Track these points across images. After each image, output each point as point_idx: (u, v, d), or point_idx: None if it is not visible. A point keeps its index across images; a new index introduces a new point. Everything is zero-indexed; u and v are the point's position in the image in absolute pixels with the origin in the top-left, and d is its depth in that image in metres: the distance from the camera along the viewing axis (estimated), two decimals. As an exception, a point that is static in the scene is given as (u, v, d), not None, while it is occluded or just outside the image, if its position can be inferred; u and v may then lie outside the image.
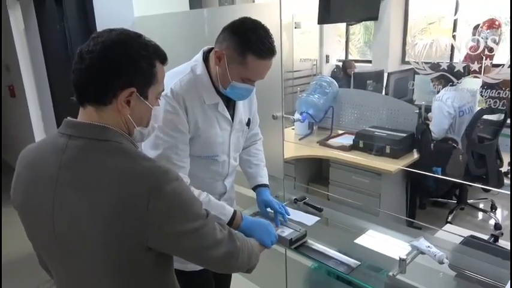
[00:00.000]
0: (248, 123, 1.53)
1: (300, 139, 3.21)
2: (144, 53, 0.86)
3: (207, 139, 1.37)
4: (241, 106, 1.46)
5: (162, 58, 0.91)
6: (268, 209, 1.55)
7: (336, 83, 3.22)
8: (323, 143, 3.02)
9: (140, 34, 0.89)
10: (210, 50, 1.35)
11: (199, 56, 1.36)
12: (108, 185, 0.80)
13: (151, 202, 0.79)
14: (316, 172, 3.26)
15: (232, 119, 1.43)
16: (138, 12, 2.92)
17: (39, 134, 4.05)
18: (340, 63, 5.41)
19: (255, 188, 1.60)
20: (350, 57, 5.92)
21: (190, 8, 3.63)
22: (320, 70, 5.57)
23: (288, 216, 1.61)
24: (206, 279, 1.52)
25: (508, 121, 2.84)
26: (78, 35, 2.79)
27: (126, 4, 2.83)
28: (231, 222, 1.31)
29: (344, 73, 4.97)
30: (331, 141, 3.03)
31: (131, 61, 0.84)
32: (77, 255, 0.86)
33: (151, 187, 0.80)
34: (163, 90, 0.95)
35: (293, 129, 3.36)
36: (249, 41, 1.20)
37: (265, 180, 1.60)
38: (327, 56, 5.81)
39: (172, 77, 1.31)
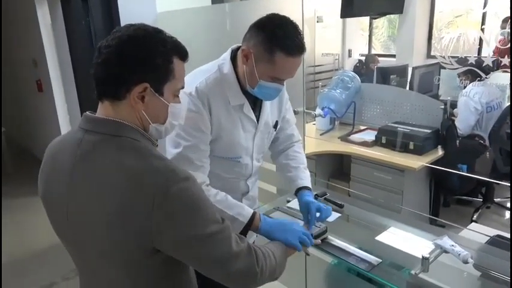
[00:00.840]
0: (275, 126, 1.47)
1: (321, 134, 3.19)
2: (161, 48, 0.84)
3: (230, 141, 1.34)
4: (268, 107, 1.41)
5: (182, 54, 0.89)
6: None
7: (358, 77, 3.17)
8: (345, 139, 2.99)
9: (160, 30, 0.87)
10: (239, 48, 1.29)
11: (227, 55, 1.32)
12: (117, 183, 0.80)
13: (157, 202, 0.77)
14: (337, 168, 3.22)
15: (258, 120, 1.38)
16: (161, 8, 2.96)
17: (65, 127, 4.16)
18: (363, 58, 5.33)
19: (296, 193, 1.49)
20: (373, 52, 5.82)
21: (212, 3, 3.64)
22: (342, 65, 5.50)
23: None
24: None
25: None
26: (103, 30, 2.85)
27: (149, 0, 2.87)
28: (249, 224, 1.23)
29: (367, 68, 4.89)
30: (353, 137, 2.99)
31: (146, 56, 0.83)
32: (88, 249, 0.87)
33: (157, 187, 0.78)
34: (182, 87, 0.92)
35: (314, 124, 3.33)
36: (277, 38, 1.16)
37: (306, 182, 1.49)
38: (350, 51, 5.73)
39: (199, 75, 1.29)
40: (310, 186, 1.49)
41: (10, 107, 6.16)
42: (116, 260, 0.84)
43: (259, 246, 0.98)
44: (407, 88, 3.37)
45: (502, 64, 1.56)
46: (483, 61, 1.69)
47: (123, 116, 0.85)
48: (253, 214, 1.24)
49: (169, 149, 1.27)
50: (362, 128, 3.17)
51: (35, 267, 2.93)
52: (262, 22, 1.21)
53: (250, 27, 1.23)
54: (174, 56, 0.87)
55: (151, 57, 0.83)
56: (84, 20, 3.11)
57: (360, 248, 1.40)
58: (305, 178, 1.51)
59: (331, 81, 3.25)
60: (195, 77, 1.28)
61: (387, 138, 2.75)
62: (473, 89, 2.54)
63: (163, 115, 0.91)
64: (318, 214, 1.38)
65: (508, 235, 1.72)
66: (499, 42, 1.60)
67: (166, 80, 0.87)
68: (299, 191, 1.47)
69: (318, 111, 3.14)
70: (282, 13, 1.24)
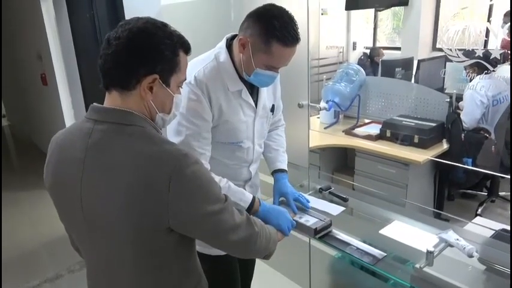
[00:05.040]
0: (272, 110, 1.52)
1: (325, 128, 3.18)
2: (168, 41, 0.88)
3: (232, 125, 1.37)
4: (264, 92, 1.46)
5: (186, 48, 0.93)
6: (282, 199, 1.56)
7: (363, 70, 3.15)
8: (349, 132, 2.98)
9: (166, 23, 0.91)
10: (234, 37, 1.34)
11: (222, 43, 1.36)
12: (131, 168, 0.83)
13: (172, 184, 0.82)
14: (341, 162, 3.22)
15: (256, 105, 1.43)
16: (164, 0, 2.94)
17: (69, 120, 4.17)
18: (368, 51, 5.30)
19: (273, 174, 1.60)
20: (378, 44, 5.77)
21: (216, -5, 3.61)
22: (347, 57, 5.46)
23: (313, 206, 1.60)
24: (231, 264, 1.54)
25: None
26: (107, 23, 2.84)
27: (153, -8, 2.85)
28: (250, 209, 1.32)
29: (371, 61, 4.86)
30: (357, 131, 2.98)
31: (155, 49, 0.87)
32: (104, 236, 0.90)
33: (172, 169, 0.82)
34: (185, 79, 0.97)
35: (318, 117, 3.32)
36: (274, 29, 1.19)
37: (283, 165, 1.60)
38: (354, 43, 5.69)
39: (196, 64, 1.32)
40: (286, 168, 1.60)
41: (15, 100, 6.19)
42: (130, 242, 0.88)
43: (255, 219, 1.08)
44: (413, 81, 3.35)
45: (510, 57, 1.54)
46: (491, 54, 1.67)
47: (131, 105, 0.89)
48: (253, 199, 1.33)
49: (171, 137, 1.30)
50: (366, 121, 3.16)
51: (41, 259, 2.96)
52: (259, 12, 1.24)
53: (248, 17, 1.26)
54: (179, 49, 0.91)
55: (160, 50, 0.87)
56: (89, 13, 3.10)
57: (364, 242, 1.41)
58: (283, 161, 1.62)
59: (336, 74, 3.23)
60: (192, 66, 1.31)
61: (392, 131, 2.74)
62: (480, 82, 2.50)
63: (169, 105, 0.95)
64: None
65: (513, 229, 1.72)
66: (507, 34, 1.57)
67: (173, 72, 0.91)
68: (275, 173, 1.59)
69: (323, 104, 3.13)
70: (286, 5, 1.24)
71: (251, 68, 1.28)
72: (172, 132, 1.30)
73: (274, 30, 1.19)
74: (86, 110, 0.92)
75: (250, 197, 1.34)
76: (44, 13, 3.86)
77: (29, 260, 2.96)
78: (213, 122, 1.34)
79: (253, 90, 1.42)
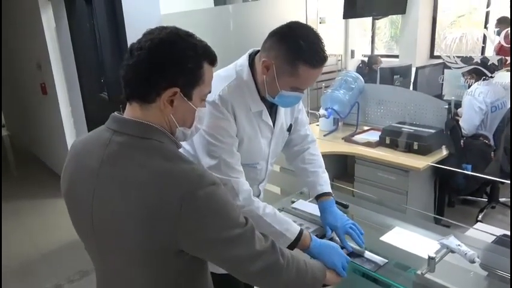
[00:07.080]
0: (289, 129, 1.47)
1: (324, 135, 3.19)
2: (191, 53, 0.84)
3: (251, 147, 1.33)
4: (282, 112, 1.40)
5: (211, 59, 0.89)
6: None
7: (361, 78, 3.17)
8: (348, 139, 2.99)
9: (191, 34, 0.87)
10: (256, 52, 1.27)
11: (244, 61, 1.29)
12: (144, 185, 0.80)
13: (184, 206, 0.78)
14: (341, 169, 3.22)
15: (274, 125, 1.38)
16: (164, 10, 2.97)
17: (69, 130, 4.17)
18: (366, 58, 5.33)
19: (317, 199, 1.50)
20: (376, 52, 5.82)
21: (215, 5, 3.66)
22: (345, 65, 5.50)
23: (313, 212, 1.60)
24: (237, 282, 1.49)
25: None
26: (107, 33, 2.86)
27: (153, 2, 2.88)
28: (297, 241, 1.21)
29: (370, 68, 4.90)
30: (357, 138, 2.99)
31: (177, 61, 0.83)
32: (112, 249, 0.88)
33: (185, 191, 0.78)
34: (209, 91, 0.92)
35: (318, 125, 3.33)
36: (301, 50, 1.12)
37: (326, 187, 1.50)
38: (352, 51, 5.73)
39: (219, 81, 1.25)
40: (330, 190, 1.50)
41: (14, 110, 6.20)
42: (139, 260, 0.85)
43: (284, 249, 0.99)
44: (411, 88, 3.37)
45: (507, 63, 1.56)
46: (488, 60, 1.69)
47: (151, 118, 0.86)
48: (301, 231, 1.23)
49: (205, 160, 1.24)
50: (366, 128, 3.17)
51: (40, 269, 2.94)
52: (284, 32, 1.17)
53: (270, 36, 1.19)
54: (204, 61, 0.87)
55: (182, 63, 0.83)
56: (89, 23, 3.13)
57: (365, 248, 1.40)
58: (325, 183, 1.51)
59: (335, 82, 3.25)
60: (214, 83, 1.27)
61: (391, 138, 2.75)
62: (478, 88, 2.52)
63: (191, 119, 0.91)
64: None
65: (514, 235, 1.71)
66: (505, 39, 1.59)
67: (196, 84, 0.87)
68: (319, 199, 1.49)
69: (322, 112, 3.14)
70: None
71: (275, 90, 1.21)
72: (204, 155, 1.24)
73: (300, 52, 1.12)
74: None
75: (298, 228, 1.23)
76: (44, 23, 3.89)
77: (28, 271, 2.93)
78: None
79: (272, 110, 1.36)
